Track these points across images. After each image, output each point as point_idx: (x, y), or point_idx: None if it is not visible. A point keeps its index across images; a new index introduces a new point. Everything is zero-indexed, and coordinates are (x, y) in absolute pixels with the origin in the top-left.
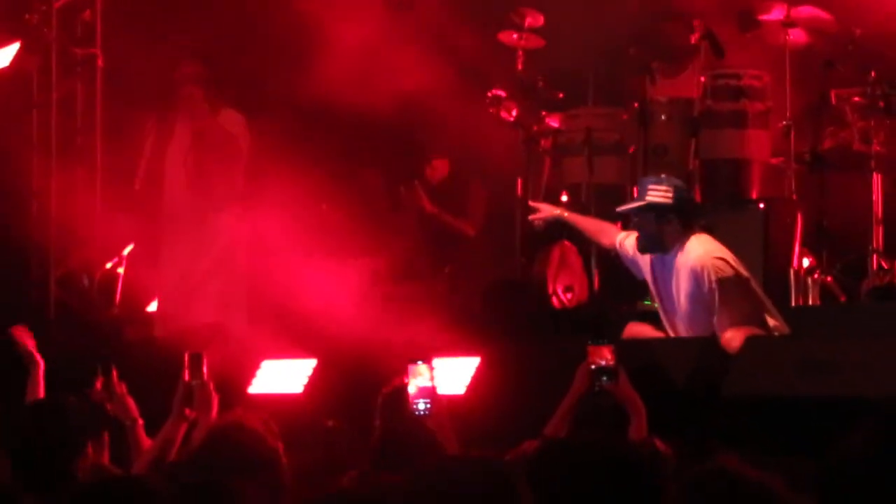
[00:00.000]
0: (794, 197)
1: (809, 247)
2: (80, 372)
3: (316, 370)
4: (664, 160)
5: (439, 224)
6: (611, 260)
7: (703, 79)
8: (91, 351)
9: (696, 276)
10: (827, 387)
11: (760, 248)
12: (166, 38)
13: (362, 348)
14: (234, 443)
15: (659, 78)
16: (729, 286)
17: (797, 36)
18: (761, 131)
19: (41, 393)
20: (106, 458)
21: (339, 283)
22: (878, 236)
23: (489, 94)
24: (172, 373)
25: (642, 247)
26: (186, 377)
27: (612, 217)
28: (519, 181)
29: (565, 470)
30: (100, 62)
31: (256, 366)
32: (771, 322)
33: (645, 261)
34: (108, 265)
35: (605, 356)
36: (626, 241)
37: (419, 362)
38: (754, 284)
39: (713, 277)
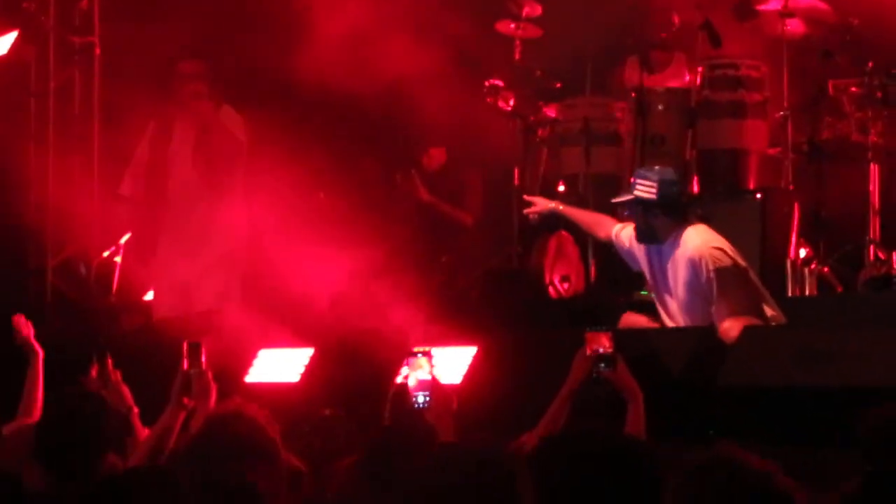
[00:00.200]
0: (792, 187)
1: (806, 237)
2: (76, 360)
3: (313, 359)
4: (661, 150)
5: (436, 213)
6: (608, 250)
7: (700, 68)
8: (87, 339)
9: (694, 266)
10: (824, 377)
11: (757, 239)
12: (163, 28)
13: (359, 337)
14: (232, 432)
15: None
16: (727, 276)
17: (795, 26)
18: (759, 121)
19: (40, 382)
20: None
21: (336, 273)
22: (875, 227)
23: (487, 84)
24: (168, 361)
25: (639, 237)
26: (185, 366)
27: (609, 207)
28: (516, 171)
29: (565, 461)
30: (97, 51)
31: (253, 355)
32: (768, 312)
33: (641, 252)
34: (106, 254)
35: (603, 343)
36: (622, 232)
37: (419, 355)
38: (752, 274)
39: (711, 267)
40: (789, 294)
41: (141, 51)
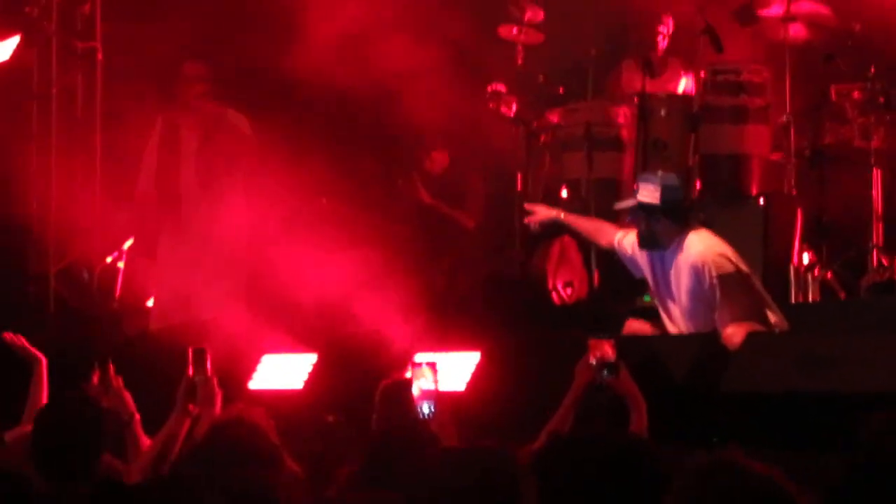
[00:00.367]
0: (794, 193)
1: (809, 243)
2: (79, 366)
3: (316, 365)
4: (663, 155)
5: (438, 216)
6: (611, 256)
7: (702, 74)
8: (89, 345)
9: (697, 272)
10: (827, 382)
11: (760, 244)
12: (163, 29)
13: (362, 343)
14: (236, 438)
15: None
16: (730, 282)
17: (797, 31)
18: (761, 126)
19: (44, 389)
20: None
21: (339, 277)
22: (878, 232)
23: (489, 89)
24: (170, 368)
25: (642, 243)
26: (190, 372)
27: (611, 212)
28: (518, 176)
29: (569, 465)
30: (99, 55)
31: (257, 361)
32: (771, 318)
33: (644, 259)
34: (109, 259)
35: (606, 351)
36: (625, 240)
37: (423, 364)
38: (755, 280)
39: (714, 273)
40: (792, 300)
41: (142, 52)
